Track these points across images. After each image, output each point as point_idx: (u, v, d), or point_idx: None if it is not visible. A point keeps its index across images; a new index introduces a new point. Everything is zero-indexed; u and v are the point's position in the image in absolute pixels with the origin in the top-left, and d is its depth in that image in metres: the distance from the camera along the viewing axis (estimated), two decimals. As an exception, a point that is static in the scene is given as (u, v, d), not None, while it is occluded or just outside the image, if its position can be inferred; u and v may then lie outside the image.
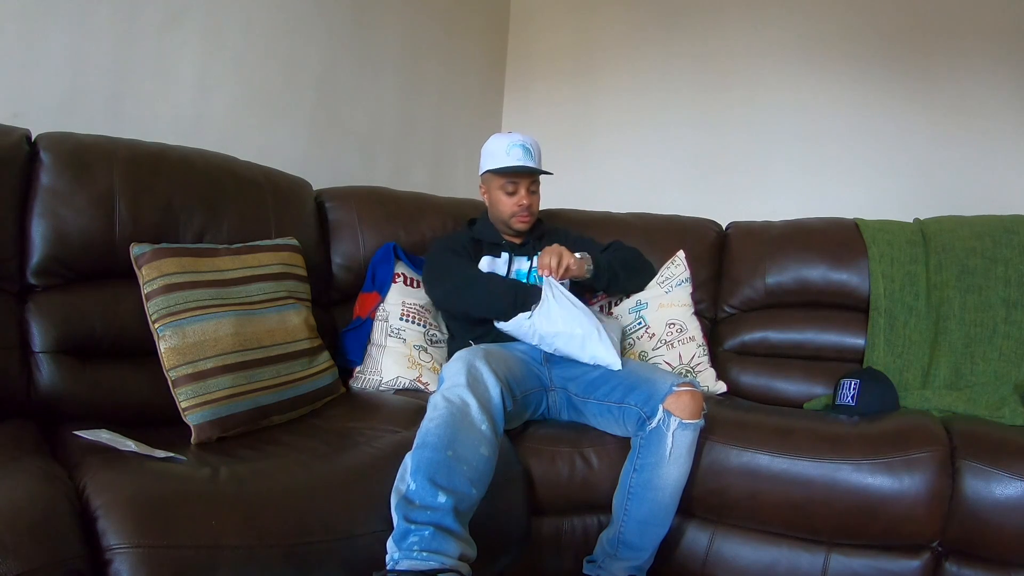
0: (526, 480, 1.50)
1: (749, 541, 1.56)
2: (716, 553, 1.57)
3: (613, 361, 1.58)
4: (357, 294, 1.98)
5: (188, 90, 2.00)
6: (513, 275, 1.90)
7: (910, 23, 2.64)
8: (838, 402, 1.80)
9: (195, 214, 1.61)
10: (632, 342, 1.97)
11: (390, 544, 1.16)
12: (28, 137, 1.46)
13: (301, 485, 1.18)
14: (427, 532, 1.15)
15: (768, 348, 2.10)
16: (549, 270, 1.66)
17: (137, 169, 1.54)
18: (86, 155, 1.48)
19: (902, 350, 1.94)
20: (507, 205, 1.88)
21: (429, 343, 1.92)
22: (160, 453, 1.20)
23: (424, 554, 1.13)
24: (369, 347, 1.88)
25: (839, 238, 2.10)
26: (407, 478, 1.22)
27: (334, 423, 1.52)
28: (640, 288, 2.02)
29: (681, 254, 2.10)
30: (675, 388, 1.46)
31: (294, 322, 1.58)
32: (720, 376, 2.01)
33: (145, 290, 1.42)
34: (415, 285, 1.98)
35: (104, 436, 1.22)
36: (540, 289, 1.65)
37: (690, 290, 2.05)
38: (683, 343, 1.96)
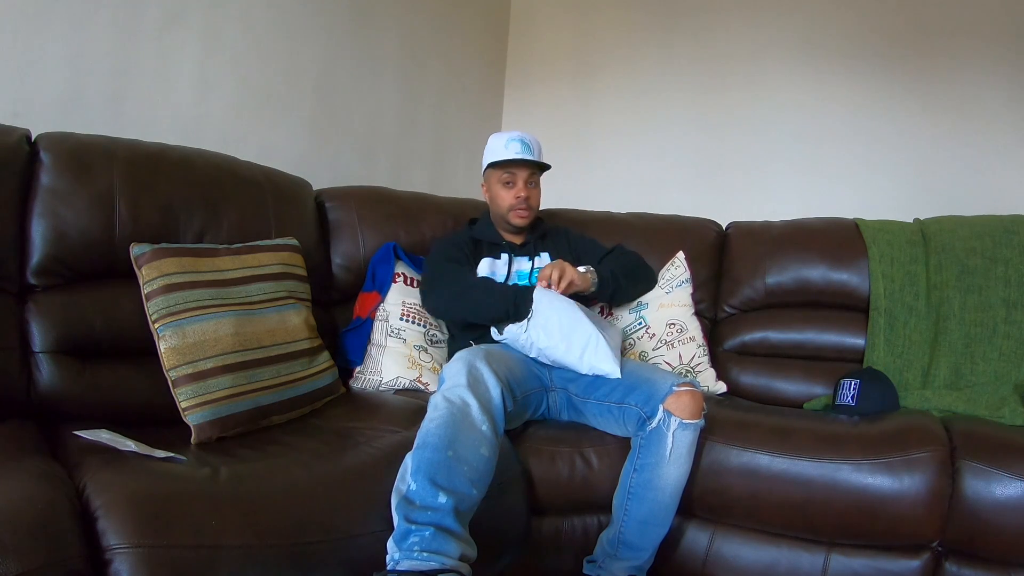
0: (526, 480, 1.50)
1: (749, 541, 1.56)
2: (716, 553, 1.57)
3: (612, 370, 1.56)
4: (357, 294, 1.98)
5: (188, 90, 2.00)
6: (513, 275, 1.90)
7: (910, 24, 2.64)
8: (838, 402, 1.80)
9: (195, 214, 1.61)
10: (632, 342, 1.97)
11: (390, 544, 1.16)
12: (28, 137, 1.45)
13: (301, 485, 1.18)
14: (427, 532, 1.15)
15: (768, 348, 2.10)
16: (547, 281, 1.66)
17: (137, 169, 1.53)
18: (86, 155, 1.48)
19: (902, 350, 1.94)
20: (505, 198, 1.88)
21: (429, 343, 1.92)
22: (160, 453, 1.20)
23: (424, 554, 1.13)
24: (369, 347, 1.88)
25: (839, 238, 2.10)
26: (407, 478, 1.22)
27: (334, 423, 1.52)
28: (640, 296, 2.02)
29: (681, 254, 2.11)
30: (675, 388, 1.46)
31: (294, 322, 1.58)
32: (720, 376, 2.01)
33: (145, 290, 1.41)
34: (415, 285, 1.97)
35: (104, 436, 1.22)
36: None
37: (690, 290, 2.06)
38: (683, 343, 1.96)
